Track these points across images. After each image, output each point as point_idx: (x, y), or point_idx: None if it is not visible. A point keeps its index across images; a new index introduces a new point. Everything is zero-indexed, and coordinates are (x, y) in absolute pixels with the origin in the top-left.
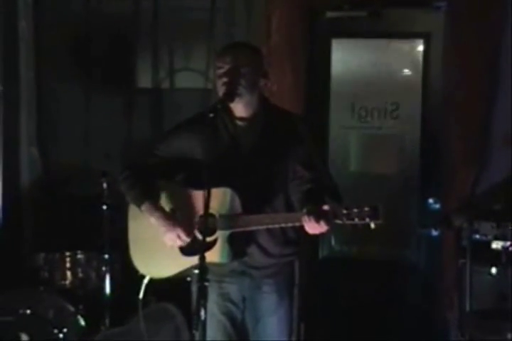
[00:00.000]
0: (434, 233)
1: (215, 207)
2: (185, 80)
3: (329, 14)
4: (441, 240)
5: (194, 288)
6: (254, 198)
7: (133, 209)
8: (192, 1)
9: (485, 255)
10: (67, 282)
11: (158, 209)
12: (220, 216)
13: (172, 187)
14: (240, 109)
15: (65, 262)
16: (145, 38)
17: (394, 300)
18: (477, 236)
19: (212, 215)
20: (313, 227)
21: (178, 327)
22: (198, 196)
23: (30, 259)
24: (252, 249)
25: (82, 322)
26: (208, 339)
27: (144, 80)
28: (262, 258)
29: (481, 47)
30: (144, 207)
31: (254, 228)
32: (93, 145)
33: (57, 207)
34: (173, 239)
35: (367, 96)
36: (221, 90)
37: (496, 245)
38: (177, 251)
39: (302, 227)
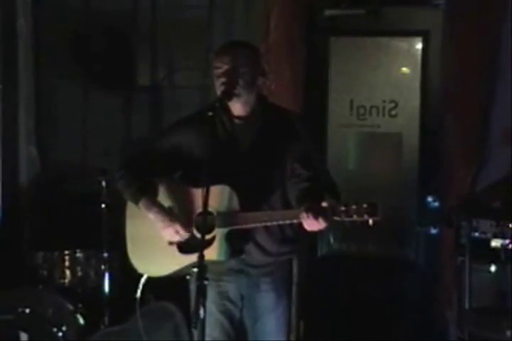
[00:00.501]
0: (433, 231)
1: (212, 205)
2: (184, 78)
3: (327, 12)
4: (440, 238)
5: (192, 287)
6: (252, 196)
7: (130, 208)
8: None
9: (484, 253)
10: (66, 280)
11: (156, 204)
12: (218, 213)
13: (170, 184)
14: (238, 107)
15: (64, 261)
16: (144, 36)
17: (393, 298)
18: (476, 234)
19: (210, 213)
20: (312, 224)
21: (178, 325)
22: (196, 194)
23: (29, 258)
24: (250, 247)
25: (81, 321)
26: (205, 337)
27: (143, 78)
28: (259, 256)
29: (479, 45)
30: (141, 204)
31: (252, 225)
32: (92, 143)
33: (56, 205)
34: (172, 234)
35: (365, 95)
36: (219, 90)
37: (495, 243)
38: (175, 249)
39: (300, 224)
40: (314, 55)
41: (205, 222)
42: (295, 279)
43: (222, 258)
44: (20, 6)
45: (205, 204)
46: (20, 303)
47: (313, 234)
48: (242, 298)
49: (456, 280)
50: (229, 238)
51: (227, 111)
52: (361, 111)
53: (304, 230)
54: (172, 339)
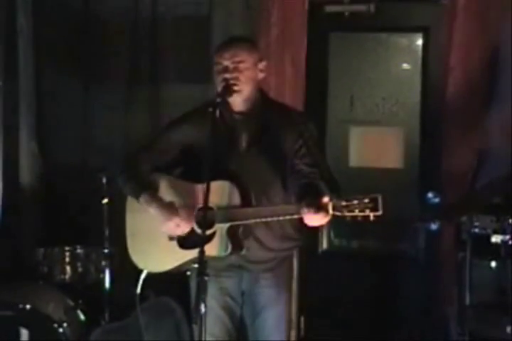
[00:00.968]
0: (434, 227)
1: (213, 200)
2: (185, 75)
3: (328, 8)
4: (441, 234)
5: (193, 283)
6: (253, 191)
7: (130, 203)
8: None
9: (484, 249)
10: (67, 277)
11: (157, 199)
12: (219, 209)
13: (171, 180)
14: (238, 103)
15: (64, 257)
16: (144, 33)
17: (393, 294)
18: (476, 230)
19: (210, 208)
20: (313, 220)
21: (178, 321)
22: (197, 189)
23: (30, 254)
24: (250, 243)
25: (82, 317)
26: (206, 333)
27: (143, 75)
28: (260, 252)
29: (480, 41)
30: (142, 198)
31: (252, 221)
32: (93, 140)
33: (57, 201)
34: (173, 228)
35: (365, 91)
36: (220, 85)
37: (496, 239)
38: (175, 245)
39: (301, 220)
40: (314, 51)
41: (205, 218)
42: (295, 275)
43: (222, 253)
44: (20, 3)
45: (206, 199)
46: (20, 299)
47: (314, 230)
48: (242, 293)
49: (457, 276)
50: (229, 234)
51: (228, 107)
52: (361, 107)
53: (305, 226)
54: (172, 335)
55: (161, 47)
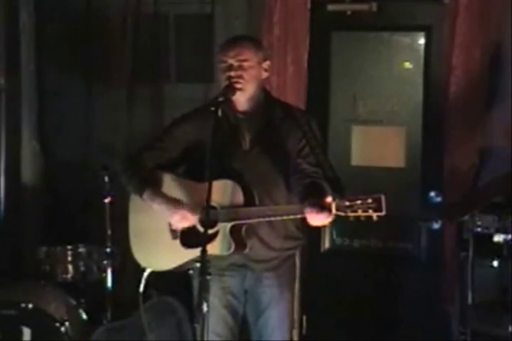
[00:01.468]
0: (436, 226)
1: (216, 199)
2: (187, 74)
3: (330, 7)
4: (443, 233)
5: (196, 282)
6: (256, 191)
7: (134, 202)
8: None
9: (487, 248)
10: (69, 275)
11: (160, 195)
12: (222, 208)
13: (173, 179)
14: (242, 102)
15: (66, 256)
16: (146, 31)
17: (395, 293)
18: (479, 229)
19: (213, 207)
20: (316, 219)
21: (180, 320)
22: (200, 188)
23: (32, 253)
24: (253, 242)
25: (84, 316)
26: (209, 332)
27: (146, 74)
28: (262, 251)
29: (482, 40)
30: (145, 195)
31: (255, 220)
32: (95, 138)
33: (59, 200)
34: (180, 220)
35: (368, 90)
36: (225, 84)
37: (498, 238)
38: (178, 244)
39: (304, 219)
40: (317, 50)
41: (208, 216)
42: (297, 274)
43: (225, 252)
44: (22, 3)
45: (208, 198)
46: (22, 298)
47: (316, 229)
48: (245, 292)
49: (459, 275)
50: (232, 233)
51: (232, 105)
52: (363, 106)
53: (308, 225)
54: (174, 334)
55: (163, 46)
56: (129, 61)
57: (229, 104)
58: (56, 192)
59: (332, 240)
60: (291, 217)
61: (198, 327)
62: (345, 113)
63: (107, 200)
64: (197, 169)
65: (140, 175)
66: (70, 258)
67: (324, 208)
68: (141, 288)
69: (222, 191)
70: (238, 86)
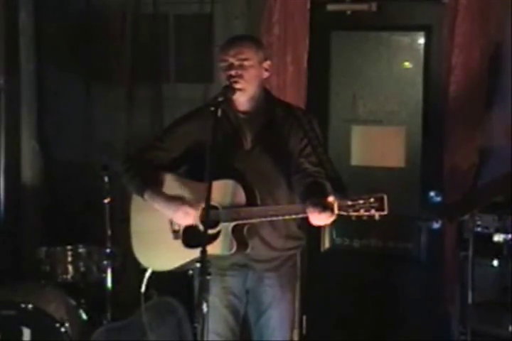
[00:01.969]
0: (436, 226)
1: (217, 199)
2: (186, 73)
3: (330, 7)
4: (443, 233)
5: (197, 282)
6: (257, 191)
7: (136, 202)
8: None
9: (487, 247)
10: (69, 276)
11: (161, 194)
12: (223, 208)
13: (175, 179)
14: (243, 102)
15: (66, 256)
16: (145, 31)
17: (395, 293)
18: (479, 229)
19: (215, 207)
20: (318, 219)
21: (180, 320)
22: (201, 188)
23: (32, 253)
24: (255, 242)
25: (84, 316)
26: (210, 332)
27: (145, 73)
28: (264, 251)
29: (482, 39)
30: (146, 195)
31: (257, 220)
32: (94, 138)
33: (59, 200)
34: (183, 217)
35: (368, 90)
36: (225, 84)
37: (498, 237)
38: (179, 244)
39: (306, 219)
40: (316, 50)
41: (208, 216)
42: (298, 274)
43: (227, 252)
44: (22, 3)
45: (208, 198)
46: (22, 299)
47: (316, 229)
48: (246, 292)
49: (459, 275)
50: (234, 233)
51: (233, 105)
52: (363, 106)
53: (310, 224)
54: (175, 334)
55: (162, 46)
56: (129, 61)
57: (230, 103)
58: (56, 193)
59: (332, 240)
60: (293, 216)
61: (198, 327)
62: (345, 113)
63: (106, 200)
64: (198, 169)
65: (141, 175)
66: (69, 259)
67: (326, 208)
68: (143, 288)
69: (224, 191)
70: (238, 86)
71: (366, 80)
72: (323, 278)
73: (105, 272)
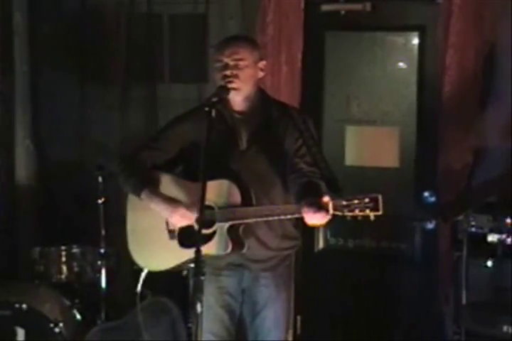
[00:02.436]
0: (430, 226)
1: (213, 199)
2: (181, 73)
3: (324, 7)
4: (437, 233)
5: (191, 282)
6: (253, 190)
7: (132, 201)
8: None
9: (481, 248)
10: (63, 276)
11: (158, 194)
12: (219, 208)
13: (171, 179)
14: (238, 102)
15: (60, 256)
16: (139, 31)
17: (389, 293)
18: (473, 229)
19: (210, 207)
20: (313, 219)
21: (174, 320)
22: (197, 188)
23: (26, 253)
24: (251, 242)
25: (78, 316)
26: (205, 331)
27: (140, 73)
28: (260, 251)
29: (476, 40)
30: (143, 195)
31: (253, 220)
32: (89, 138)
33: (53, 200)
34: (179, 219)
35: (362, 90)
36: (220, 84)
37: (492, 238)
38: (175, 244)
39: (302, 219)
40: (310, 50)
41: (203, 216)
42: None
43: (223, 252)
44: (16, 3)
45: (203, 198)
46: (16, 299)
47: (310, 230)
48: (242, 292)
49: (453, 275)
50: (229, 233)
51: (228, 105)
52: (357, 106)
53: (305, 224)
54: (169, 334)
55: (157, 47)
56: (123, 61)
57: (225, 103)
58: (50, 193)
59: (326, 240)
60: (289, 216)
61: (192, 327)
62: (339, 113)
63: (100, 201)
64: (194, 169)
65: (138, 175)
66: (64, 259)
67: (321, 208)
68: (139, 288)
69: (219, 191)
70: (233, 85)
71: (360, 80)
72: (317, 278)
73: (99, 272)
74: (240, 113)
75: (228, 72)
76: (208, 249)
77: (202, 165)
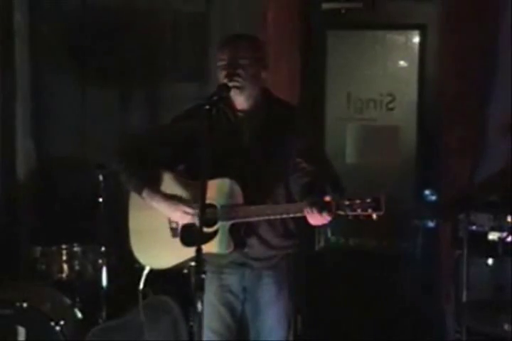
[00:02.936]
0: (431, 224)
1: (215, 198)
2: (182, 71)
3: (325, 6)
4: (438, 231)
5: (192, 280)
6: (255, 189)
7: (134, 200)
8: None
9: (481, 246)
10: (64, 275)
11: (159, 193)
12: (221, 207)
13: (173, 177)
14: (241, 100)
15: (61, 255)
16: (140, 30)
17: (390, 292)
18: (474, 228)
19: (213, 206)
20: (316, 219)
21: (176, 319)
22: (198, 186)
23: (27, 252)
24: (253, 241)
25: (79, 315)
26: (207, 329)
27: (140, 72)
28: (262, 249)
29: (477, 38)
30: (144, 194)
31: (255, 219)
32: (89, 137)
33: (53, 199)
34: (182, 216)
35: (363, 88)
36: (222, 82)
37: (493, 236)
38: (178, 242)
39: (304, 218)
40: (311, 49)
41: (203, 215)
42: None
43: (224, 251)
44: (17, 2)
45: (203, 197)
46: (17, 298)
47: (311, 228)
48: (244, 290)
49: (454, 273)
50: (232, 231)
51: (231, 104)
52: (358, 104)
53: (307, 223)
54: (170, 333)
55: (158, 45)
56: (124, 60)
57: (228, 102)
58: (51, 191)
59: (327, 239)
60: (291, 216)
61: (193, 326)
62: (340, 111)
63: (101, 199)
64: (196, 168)
65: (140, 174)
66: (65, 258)
67: (324, 207)
68: (141, 286)
69: (222, 190)
70: (235, 84)
71: (361, 79)
72: (317, 276)
73: (100, 271)
74: (242, 111)
75: (231, 71)
76: (210, 248)
77: (203, 163)
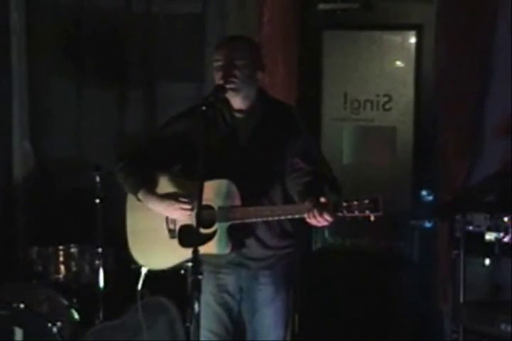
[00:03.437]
0: (428, 225)
1: (213, 199)
2: (178, 72)
3: (321, 6)
4: (435, 232)
5: (189, 281)
6: (252, 190)
7: (131, 201)
8: None
9: (478, 246)
10: (61, 276)
11: (155, 194)
12: (219, 208)
13: (170, 178)
14: (238, 101)
15: (58, 256)
16: (137, 31)
17: (387, 292)
18: (470, 228)
19: (210, 207)
20: (317, 220)
21: (172, 320)
22: (195, 187)
23: (24, 253)
24: (250, 241)
25: (76, 316)
26: (203, 330)
27: (137, 73)
28: (259, 249)
29: (473, 39)
30: (140, 195)
31: (253, 220)
32: (86, 138)
33: (50, 200)
34: (181, 214)
35: (359, 88)
36: (218, 83)
37: (490, 236)
38: (176, 243)
39: (304, 219)
40: (308, 49)
41: (200, 216)
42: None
43: (222, 251)
44: (13, 3)
45: (200, 198)
46: (14, 299)
47: (308, 228)
48: (240, 290)
49: (451, 273)
50: (229, 232)
51: (228, 104)
52: (355, 105)
53: (304, 224)
54: (166, 334)
55: (154, 46)
56: (121, 60)
57: (225, 103)
58: (47, 192)
59: (324, 239)
60: (290, 217)
61: (190, 326)
62: (336, 111)
63: (98, 200)
64: (193, 168)
65: (136, 175)
66: (61, 259)
67: (323, 209)
68: (139, 287)
69: (219, 191)
70: (232, 85)
71: (358, 79)
72: (315, 277)
73: (97, 272)
74: (239, 112)
75: (227, 72)
76: (209, 249)
77: (200, 164)
